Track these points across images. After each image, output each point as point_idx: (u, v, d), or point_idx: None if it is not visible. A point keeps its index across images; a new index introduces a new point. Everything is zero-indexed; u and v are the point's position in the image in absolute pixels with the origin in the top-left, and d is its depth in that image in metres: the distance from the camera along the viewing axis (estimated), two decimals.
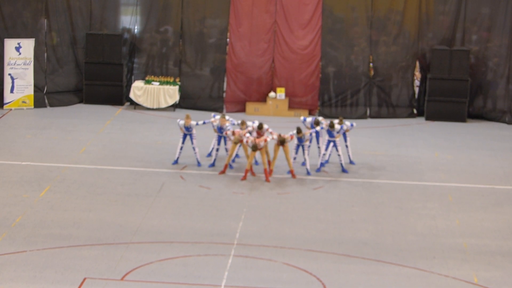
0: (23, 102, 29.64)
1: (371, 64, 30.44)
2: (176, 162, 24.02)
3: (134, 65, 31.13)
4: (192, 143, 23.95)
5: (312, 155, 24.35)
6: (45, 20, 30.25)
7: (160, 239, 18.87)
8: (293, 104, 30.34)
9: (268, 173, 23.01)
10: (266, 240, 19.03)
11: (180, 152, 24.04)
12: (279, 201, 21.65)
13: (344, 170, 23.84)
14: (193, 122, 23.81)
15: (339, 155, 23.82)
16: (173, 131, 27.04)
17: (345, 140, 24.46)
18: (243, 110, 30.38)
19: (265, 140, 22.90)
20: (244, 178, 23.00)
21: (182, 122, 23.87)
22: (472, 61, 30.08)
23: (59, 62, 30.67)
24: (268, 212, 20.84)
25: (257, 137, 23.16)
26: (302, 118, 24.78)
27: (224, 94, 30.68)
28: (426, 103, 30.10)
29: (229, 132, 23.39)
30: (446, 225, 20.34)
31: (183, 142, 23.97)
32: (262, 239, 19.05)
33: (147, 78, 30.45)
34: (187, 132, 23.86)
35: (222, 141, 24.32)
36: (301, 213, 20.82)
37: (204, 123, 24.12)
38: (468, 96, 29.91)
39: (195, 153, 24.01)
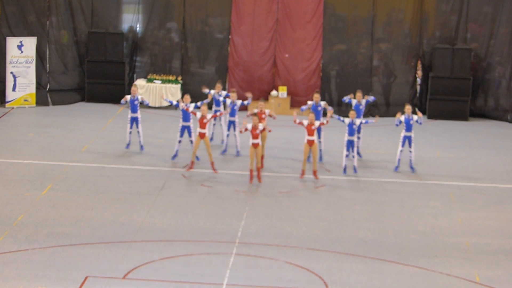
0: (25, 100, 29.66)
1: (373, 63, 30.43)
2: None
3: (136, 64, 31.16)
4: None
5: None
6: (48, 18, 30.29)
7: (162, 238, 18.87)
8: (295, 102, 30.33)
9: (259, 173, 22.90)
10: (268, 238, 19.03)
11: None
12: (281, 199, 21.65)
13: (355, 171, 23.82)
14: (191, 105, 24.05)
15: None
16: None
17: (358, 131, 24.51)
18: (244, 108, 30.35)
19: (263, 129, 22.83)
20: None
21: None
22: (474, 60, 30.08)
23: (62, 60, 30.71)
24: (270, 210, 20.84)
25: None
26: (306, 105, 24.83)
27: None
28: (428, 102, 30.10)
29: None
30: (448, 223, 20.34)
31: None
32: (264, 238, 19.05)
33: (149, 77, 30.47)
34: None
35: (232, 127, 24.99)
36: (303, 212, 20.82)
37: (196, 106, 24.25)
38: (470, 95, 29.92)
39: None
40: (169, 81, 30.21)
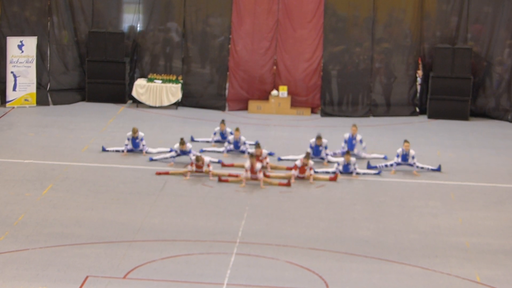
0: (26, 100, 29.66)
1: (373, 63, 30.40)
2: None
3: (137, 63, 31.13)
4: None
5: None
6: (48, 18, 30.30)
7: (162, 237, 18.88)
8: (296, 102, 30.32)
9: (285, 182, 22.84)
10: (269, 238, 19.04)
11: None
12: (281, 199, 21.65)
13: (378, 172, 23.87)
14: (189, 145, 23.87)
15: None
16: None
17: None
18: (245, 108, 30.36)
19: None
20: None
21: (177, 145, 23.88)
22: (474, 60, 30.06)
23: (62, 60, 30.70)
24: (271, 210, 20.84)
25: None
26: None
27: (227, 92, 30.68)
28: (428, 102, 30.07)
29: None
30: (448, 223, 20.34)
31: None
32: (264, 238, 19.06)
33: (149, 76, 30.45)
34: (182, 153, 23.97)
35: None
36: (303, 212, 20.82)
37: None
38: (471, 95, 29.90)
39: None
40: (170, 81, 30.19)
